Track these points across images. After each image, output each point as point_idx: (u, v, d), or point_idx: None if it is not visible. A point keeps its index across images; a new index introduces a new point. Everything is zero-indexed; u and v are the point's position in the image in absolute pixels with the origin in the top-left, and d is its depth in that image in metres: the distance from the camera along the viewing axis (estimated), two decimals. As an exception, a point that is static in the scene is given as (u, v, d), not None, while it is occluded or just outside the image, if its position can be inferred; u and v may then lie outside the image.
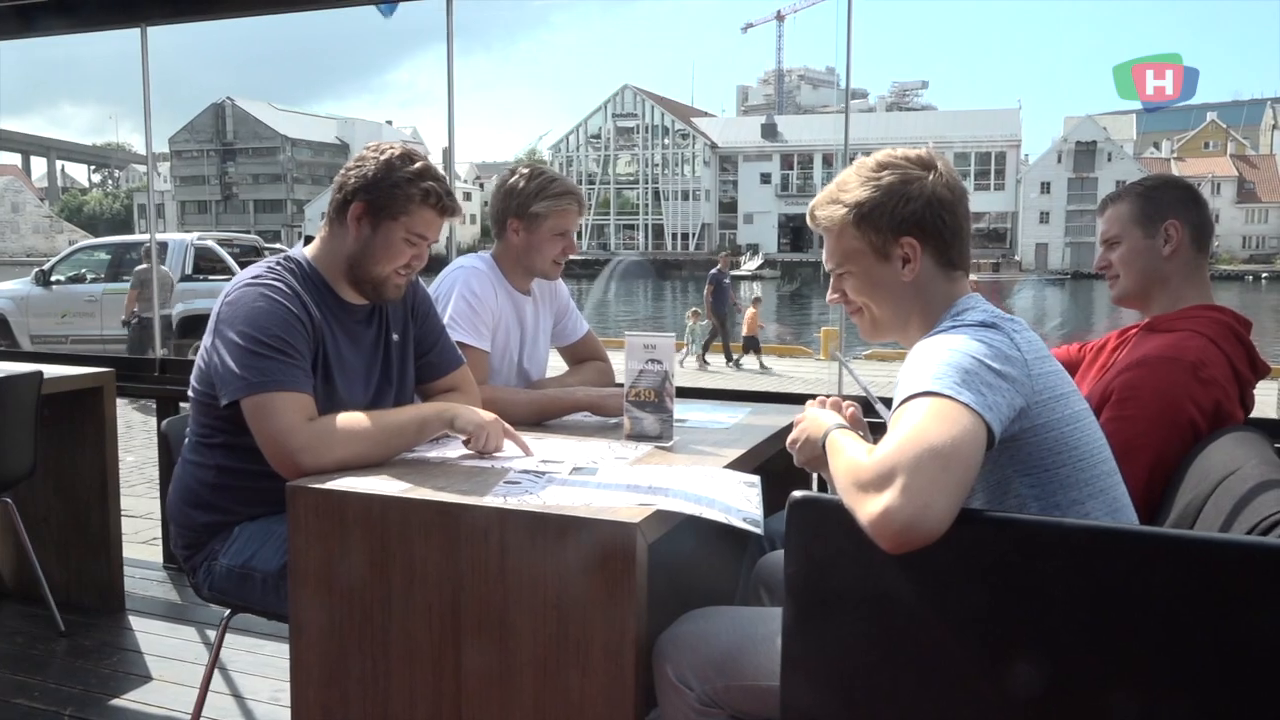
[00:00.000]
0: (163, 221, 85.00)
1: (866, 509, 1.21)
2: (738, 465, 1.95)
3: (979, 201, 70.38)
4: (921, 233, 1.52)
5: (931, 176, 1.53)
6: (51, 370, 3.22)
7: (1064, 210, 69.90)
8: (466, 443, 1.92)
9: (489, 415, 1.93)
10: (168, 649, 3.05)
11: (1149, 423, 1.82)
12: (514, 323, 2.53)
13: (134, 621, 3.28)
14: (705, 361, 15.32)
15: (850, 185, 1.56)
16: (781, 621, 1.38)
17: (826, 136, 76.72)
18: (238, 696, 2.72)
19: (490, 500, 1.60)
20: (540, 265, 2.50)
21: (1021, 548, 1.26)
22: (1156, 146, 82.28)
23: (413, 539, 1.63)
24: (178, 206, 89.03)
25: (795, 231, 76.20)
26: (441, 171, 2.00)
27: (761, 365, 15.15)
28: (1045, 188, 71.48)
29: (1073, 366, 2.25)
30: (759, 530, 1.58)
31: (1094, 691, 1.24)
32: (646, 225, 79.61)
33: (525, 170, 2.51)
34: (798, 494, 1.36)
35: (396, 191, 1.93)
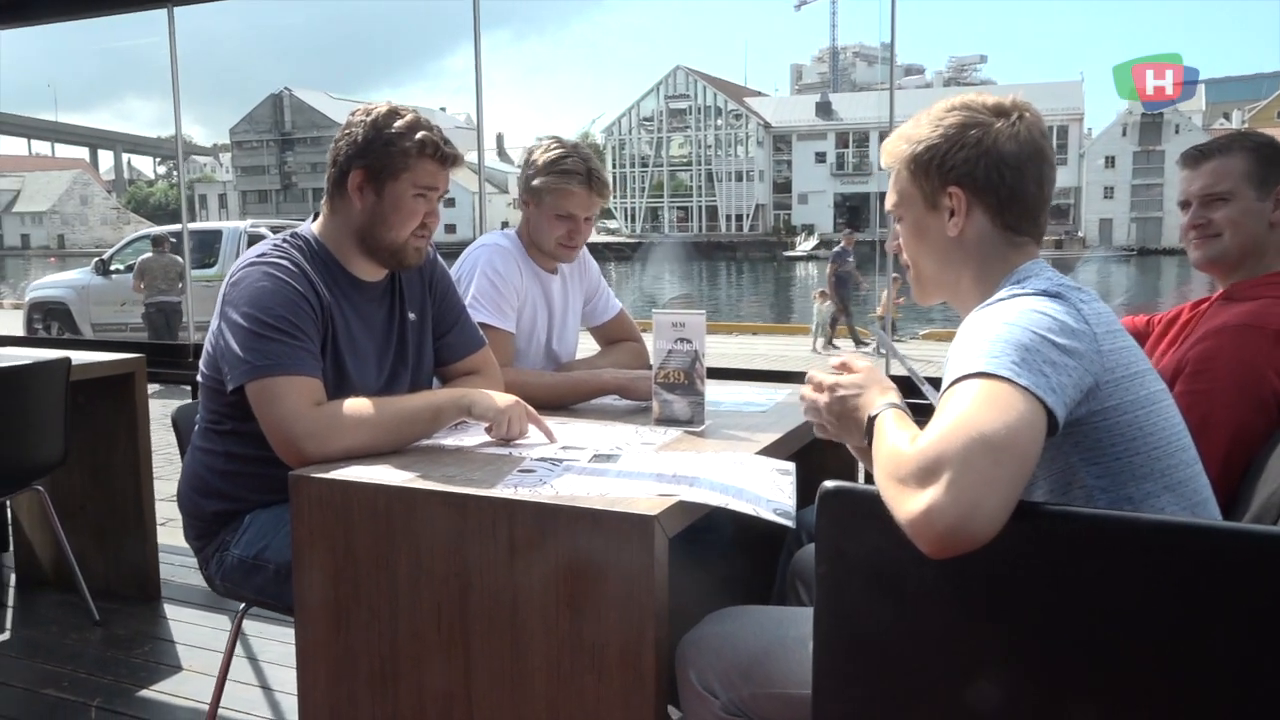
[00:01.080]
0: (225, 211, 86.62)
1: (906, 506, 1.07)
2: (772, 451, 1.81)
3: (1040, 177, 68.75)
4: (972, 185, 1.36)
5: (999, 125, 1.37)
6: (81, 357, 3.18)
7: (1129, 185, 68.08)
8: (488, 430, 1.81)
9: (509, 398, 1.82)
10: (200, 638, 3.00)
11: (1226, 396, 1.65)
12: (541, 302, 2.42)
13: (169, 610, 3.25)
14: (833, 345, 14.41)
15: (920, 123, 1.42)
16: (814, 623, 1.25)
17: (882, 113, 75.49)
18: (265, 688, 2.66)
19: (499, 491, 1.49)
20: (547, 245, 2.38)
21: (1086, 545, 1.11)
22: (1226, 117, 79.63)
23: (418, 532, 1.52)
24: (239, 196, 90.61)
25: (851, 211, 75.27)
26: (435, 122, 1.89)
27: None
28: (1110, 162, 69.66)
29: (1140, 339, 2.08)
30: (790, 523, 1.45)
31: (1167, 707, 1.09)
32: (700, 207, 79.17)
33: (547, 142, 2.39)
34: (829, 484, 1.23)
35: (392, 149, 1.83)
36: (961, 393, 1.12)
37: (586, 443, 1.82)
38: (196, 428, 1.96)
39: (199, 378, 1.92)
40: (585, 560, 1.41)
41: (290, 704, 2.57)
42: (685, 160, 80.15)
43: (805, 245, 65.56)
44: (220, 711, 2.24)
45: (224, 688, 2.17)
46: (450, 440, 1.83)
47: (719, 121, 79.48)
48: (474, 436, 1.86)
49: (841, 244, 15.62)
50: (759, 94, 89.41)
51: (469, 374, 2.07)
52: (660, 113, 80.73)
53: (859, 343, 14.43)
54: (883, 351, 13.37)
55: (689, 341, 1.95)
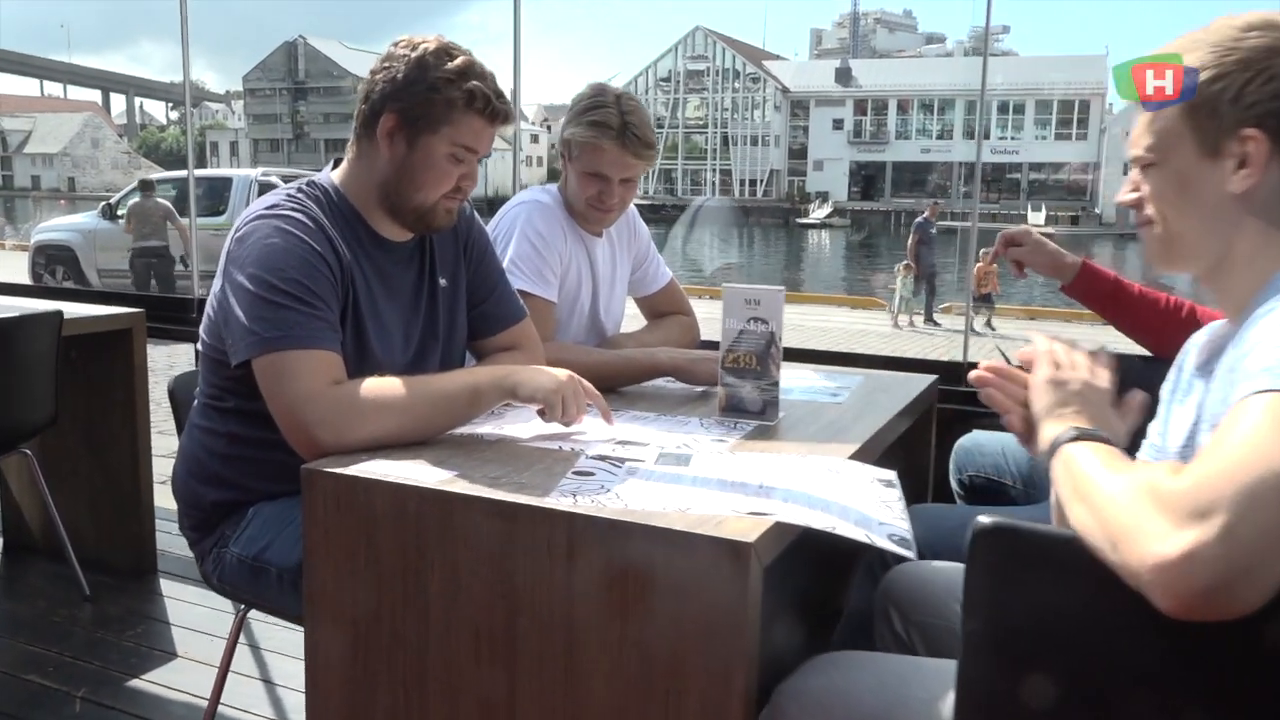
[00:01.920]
0: (236, 159, 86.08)
1: (1155, 546, 0.82)
2: (864, 456, 1.56)
3: (1059, 151, 68.03)
4: (1277, 129, 1.07)
5: None
6: (77, 310, 2.93)
7: (1150, 162, 66.97)
8: (541, 414, 1.55)
9: (562, 373, 1.55)
10: (197, 619, 2.76)
11: None
12: (585, 268, 2.15)
13: (165, 586, 3.02)
14: (935, 321, 13.66)
15: (1196, 45, 1.12)
16: (956, 690, 1.00)
17: (902, 81, 74.61)
18: (267, 682, 2.43)
19: (556, 500, 1.23)
20: (577, 205, 2.10)
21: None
22: (1251, 96, 78.27)
23: (456, 544, 1.27)
24: (250, 144, 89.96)
25: (866, 180, 74.55)
26: (488, 68, 1.61)
27: (989, 325, 12.76)
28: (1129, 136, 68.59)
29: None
30: (911, 554, 1.19)
31: None
32: (714, 170, 78.44)
33: (594, 87, 2.10)
34: (986, 520, 0.97)
35: (435, 96, 1.55)
36: (1256, 413, 0.85)
37: (648, 438, 1.56)
38: (196, 403, 1.70)
39: (199, 345, 1.66)
40: (660, 591, 1.16)
41: (295, 701, 2.34)
42: (701, 123, 79.22)
43: (819, 213, 64.88)
44: (219, 708, 2.01)
45: (225, 684, 1.94)
46: (490, 429, 1.58)
47: (736, 84, 78.46)
48: (519, 423, 1.60)
49: (925, 214, 14.89)
50: (778, 58, 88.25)
51: (507, 349, 1.81)
52: (678, 74, 79.69)
53: (929, 317, 13.79)
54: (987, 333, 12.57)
55: (764, 322, 1.69)
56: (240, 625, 1.83)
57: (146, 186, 11.51)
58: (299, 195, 1.58)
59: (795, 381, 2.01)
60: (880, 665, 1.27)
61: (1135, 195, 1.19)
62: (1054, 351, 1.22)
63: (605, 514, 1.19)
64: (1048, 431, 1.13)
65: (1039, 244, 2.10)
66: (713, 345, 2.53)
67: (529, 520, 1.22)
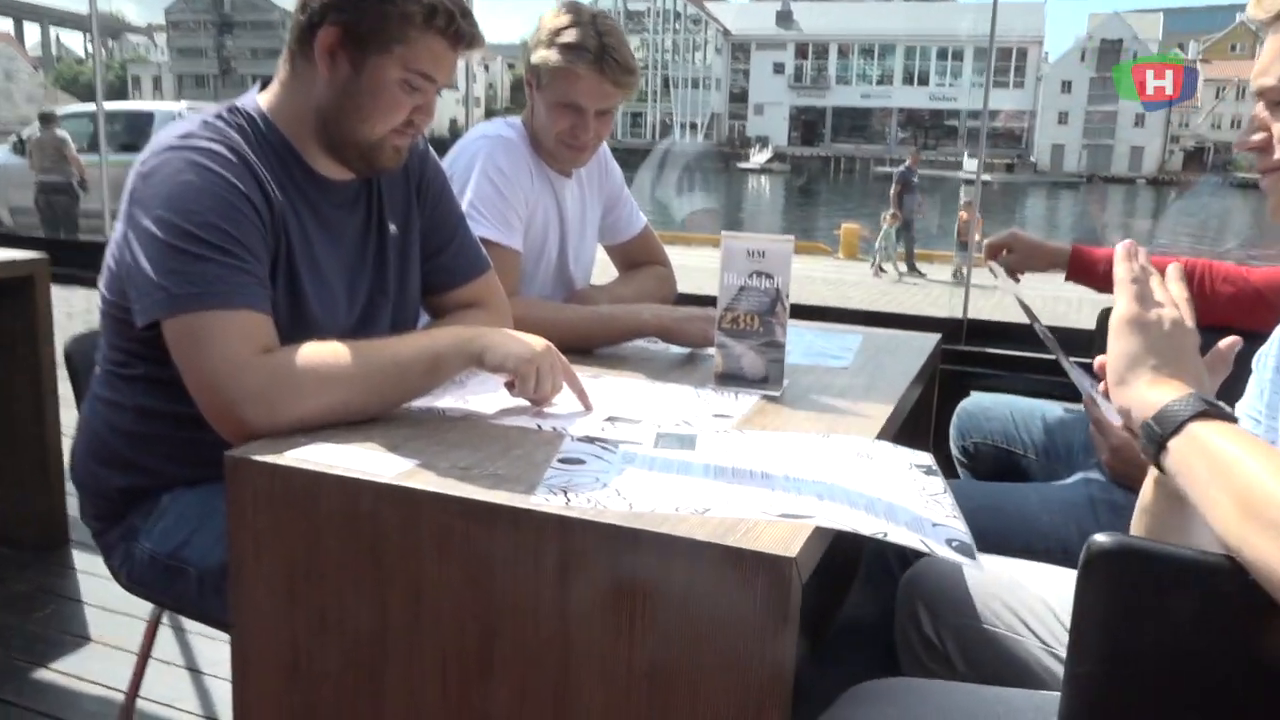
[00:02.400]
0: (159, 93, 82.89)
1: None
2: (886, 433, 1.35)
3: (995, 99, 68.38)
4: None
5: None
6: (-33, 254, 2.60)
7: (1084, 111, 67.92)
8: (510, 386, 1.32)
9: (538, 343, 1.32)
10: (115, 599, 2.46)
11: None
12: (553, 213, 1.90)
13: (79, 559, 2.73)
14: (917, 270, 13.53)
15: None
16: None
17: (843, 25, 74.22)
18: (192, 670, 2.18)
19: (544, 499, 1.00)
20: (546, 140, 1.84)
21: None
22: (1182, 48, 79.54)
23: (421, 552, 1.04)
24: (175, 79, 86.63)
25: (806, 125, 74.40)
26: None
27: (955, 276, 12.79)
28: (1066, 87, 69.37)
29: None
30: (974, 564, 0.99)
31: None
32: (654, 114, 77.56)
33: (565, 4, 1.83)
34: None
35: (388, 8, 1.28)
36: None
37: (638, 411, 1.34)
38: (97, 370, 1.43)
39: (99, 302, 1.38)
40: (677, 614, 0.94)
41: (224, 692, 2.10)
42: (641, 64, 78.12)
43: (759, 158, 64.60)
44: (138, 702, 1.77)
45: (144, 674, 1.69)
46: (451, 401, 1.34)
47: (677, 26, 77.41)
48: (484, 393, 1.37)
49: (907, 163, 14.68)
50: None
51: (469, 306, 1.57)
52: (617, 14, 78.28)
53: (912, 267, 13.70)
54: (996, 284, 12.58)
55: (770, 277, 1.46)
56: (156, 626, 1.57)
57: (46, 119, 10.90)
58: (218, 123, 1.31)
59: (789, 340, 1.79)
60: (937, 694, 1.07)
61: (1263, 136, 0.98)
62: (1137, 278, 1.00)
63: (607, 518, 0.97)
64: (1151, 395, 0.90)
65: (1029, 246, 1.96)
66: (692, 301, 2.31)
67: (511, 524, 0.99)
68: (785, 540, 0.93)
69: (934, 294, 12.13)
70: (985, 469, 1.95)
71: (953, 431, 2.00)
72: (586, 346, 1.70)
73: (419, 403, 1.31)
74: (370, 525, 1.05)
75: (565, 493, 1.02)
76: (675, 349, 1.72)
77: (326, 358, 1.20)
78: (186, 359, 1.20)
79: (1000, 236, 2.00)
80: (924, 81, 75.19)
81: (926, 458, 1.23)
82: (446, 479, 1.05)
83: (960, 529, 1.04)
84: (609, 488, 1.04)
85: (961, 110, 72.38)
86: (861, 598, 1.58)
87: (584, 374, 1.51)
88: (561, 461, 1.12)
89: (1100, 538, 0.77)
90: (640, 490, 1.04)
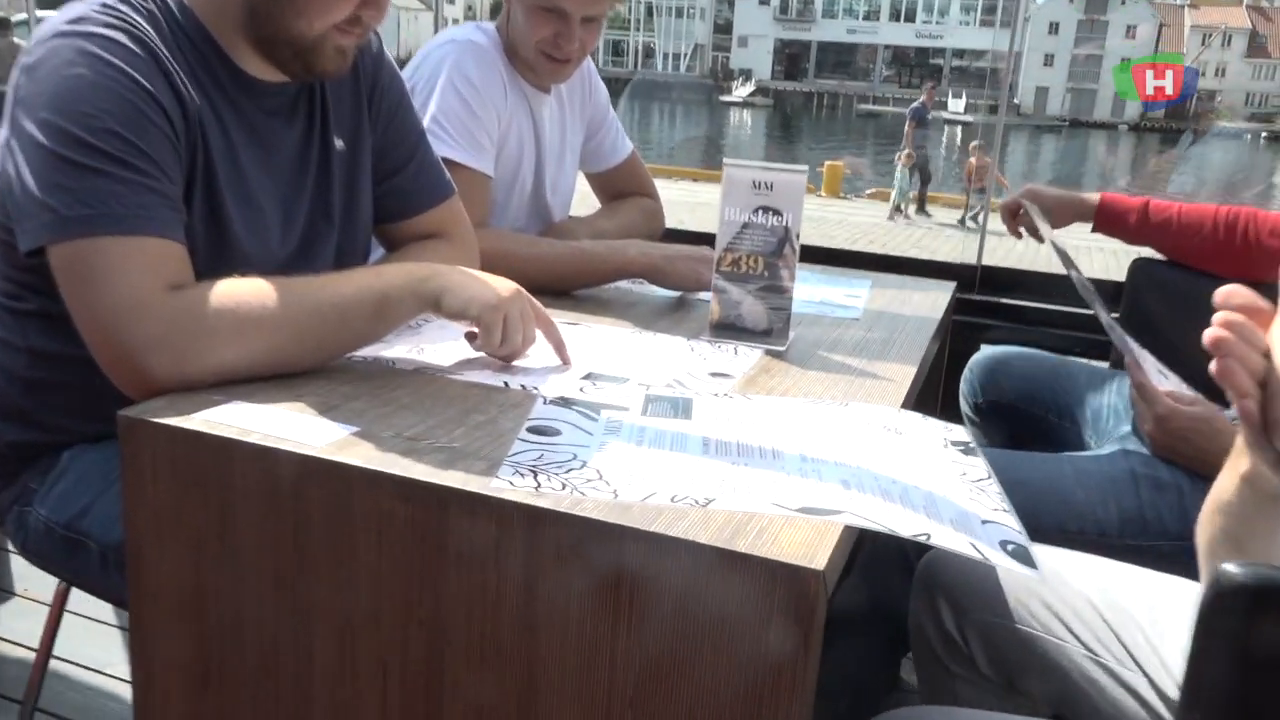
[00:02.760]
0: None
1: None
2: (909, 400, 1.17)
3: (981, 39, 67.55)
4: None
5: None
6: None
7: (1070, 53, 67.22)
8: (472, 339, 1.12)
9: (506, 286, 1.12)
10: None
11: None
12: (528, 133, 1.68)
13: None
14: (926, 211, 13.08)
15: None
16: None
17: (831, -42, 72.94)
18: (123, 629, 1.99)
19: (509, 483, 0.81)
20: (525, 51, 1.60)
21: None
22: (1171, -9, 78.78)
23: (355, 542, 0.84)
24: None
25: (790, 59, 73.34)
26: None
27: (975, 220, 12.28)
28: (1053, 28, 68.52)
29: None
30: (1035, 572, 0.81)
31: None
32: (636, 43, 76.12)
33: None
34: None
35: None
36: None
37: (623, 368, 1.14)
38: (-16, 302, 1.21)
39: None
40: (671, 633, 0.76)
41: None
42: (624, -10, 76.43)
43: (742, 91, 63.58)
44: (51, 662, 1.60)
45: (57, 632, 1.50)
46: (403, 351, 1.13)
47: (662, -49, 75.66)
48: (443, 343, 1.17)
49: (921, 100, 14.16)
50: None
51: (429, 237, 1.36)
52: (601, -64, 76.26)
53: (921, 207, 13.23)
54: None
55: (778, 214, 1.26)
56: (62, 604, 1.38)
57: (2, 25, 10.38)
58: (121, 7, 1.07)
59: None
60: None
61: None
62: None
63: (586, 510, 0.78)
64: None
65: (1052, 200, 1.76)
66: (681, 238, 2.10)
67: (466, 513, 0.80)
68: (808, 545, 0.74)
69: (917, 236, 11.89)
70: (999, 430, 1.77)
71: (964, 387, 1.83)
72: (563, 287, 1.50)
73: (363, 352, 1.11)
74: (294, 507, 0.86)
75: (535, 474, 0.83)
76: (664, 293, 1.52)
77: (249, 297, 0.99)
78: (76, 295, 0.99)
79: (1013, 197, 1.80)
80: (910, 18, 74.05)
81: (962, 432, 1.05)
82: (389, 453, 0.85)
83: (1014, 527, 0.85)
84: (589, 467, 0.85)
85: (946, 49, 71.42)
86: (861, 580, 1.41)
87: (559, 320, 1.31)
88: (532, 431, 0.92)
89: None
90: (628, 472, 0.85)
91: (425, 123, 1.47)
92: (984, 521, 0.85)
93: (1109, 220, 1.74)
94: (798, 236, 1.26)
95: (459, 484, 0.80)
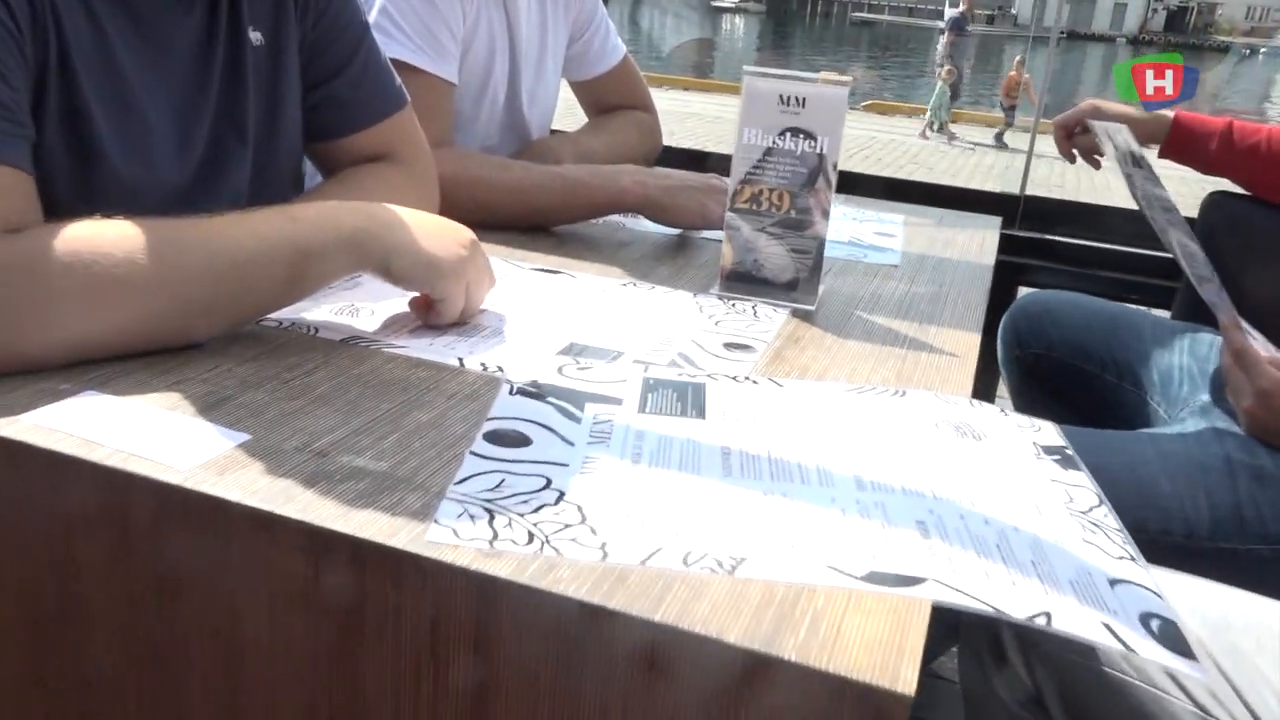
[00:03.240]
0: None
1: None
2: (977, 385, 0.93)
3: (982, -55, 65.59)
4: None
5: None
6: None
7: (1070, -38, 65.46)
8: (417, 308, 0.88)
9: (463, 238, 0.87)
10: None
11: None
12: (501, 33, 1.39)
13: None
14: (951, 131, 12.00)
15: None
16: None
17: None
18: None
19: (446, 531, 0.56)
20: None
21: None
22: (1176, -101, 76.51)
23: (238, 611, 0.60)
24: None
25: (786, -37, 71.19)
26: None
27: (999, 139, 11.55)
28: (1054, -65, 66.62)
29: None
30: (1197, 669, 0.57)
31: None
32: (626, -57, 73.69)
33: None
34: None
35: None
36: None
37: (617, 339, 0.89)
38: None
39: None
40: (683, 763, 0.53)
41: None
42: (614, -113, 73.81)
43: (733, -4, 61.88)
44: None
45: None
46: (327, 315, 0.88)
47: None
48: (384, 304, 0.91)
49: (961, 9, 13.15)
50: None
51: (374, 158, 1.09)
52: None
53: (944, 129, 12.10)
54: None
55: (811, 138, 1.00)
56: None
57: None
58: None
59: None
60: None
61: None
62: None
63: (564, 585, 0.53)
64: None
65: (1118, 118, 1.45)
66: (681, 159, 1.84)
67: (391, 580, 0.56)
68: (885, 644, 0.50)
69: (953, 157, 11.37)
70: (1043, 390, 1.54)
71: (1002, 336, 1.58)
72: (542, 222, 1.24)
73: (279, 314, 0.86)
74: (152, 559, 0.61)
75: (491, 515, 0.59)
76: (664, 231, 1.26)
77: (112, 248, 0.73)
78: None
79: (1073, 113, 1.53)
80: (909, -79, 71.77)
81: (1053, 433, 0.81)
82: (287, 478, 0.61)
83: (1149, 587, 0.62)
84: (567, 502, 0.61)
85: (945, -46, 69.61)
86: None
87: (533, 265, 1.07)
88: (491, 440, 0.68)
89: None
90: (622, 511, 0.60)
91: (372, 15, 1.20)
92: (1112, 581, 0.61)
93: (1184, 143, 1.48)
94: (835, 168, 1.00)
95: (380, 535, 0.56)
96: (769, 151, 1.01)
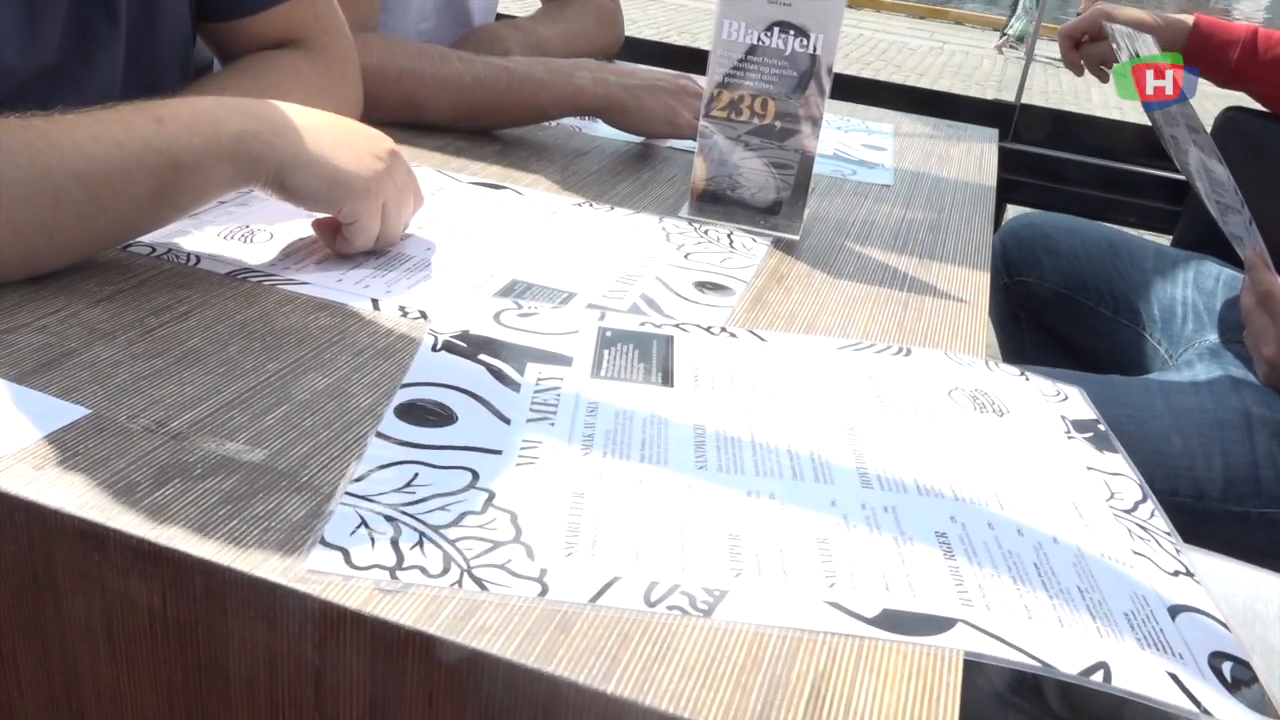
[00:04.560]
0: None
1: None
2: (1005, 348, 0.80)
3: None
4: None
5: None
6: None
7: None
8: (322, 230, 0.73)
9: (380, 148, 0.72)
10: None
11: None
12: (441, -103, 1.20)
13: None
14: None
15: None
16: None
17: None
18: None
19: (333, 556, 0.43)
20: None
21: None
22: None
23: (69, 645, 0.46)
24: None
25: None
26: None
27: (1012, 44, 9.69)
28: None
29: None
30: (1282, 730, 0.46)
31: None
32: None
33: None
34: None
35: None
36: None
37: (566, 275, 0.74)
38: None
39: None
40: None
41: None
42: None
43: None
44: None
45: None
46: (209, 241, 0.73)
47: None
48: (283, 225, 0.76)
49: None
50: None
51: (281, 44, 0.91)
52: None
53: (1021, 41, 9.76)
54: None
55: (803, 35, 0.84)
56: None
57: None
58: None
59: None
60: None
61: None
62: None
63: (485, 640, 0.40)
64: None
65: (1133, 24, 1.29)
66: (650, 54, 1.67)
67: (262, 618, 0.42)
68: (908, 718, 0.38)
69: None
70: (1031, 322, 1.42)
71: (993, 262, 1.46)
72: (483, 124, 1.07)
73: (150, 236, 0.70)
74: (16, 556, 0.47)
75: (397, 530, 0.45)
76: (624, 137, 1.10)
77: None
78: None
79: (1081, 19, 1.37)
80: None
81: (1080, 401, 0.68)
82: (125, 474, 0.46)
83: (1213, 613, 0.50)
84: (496, 508, 0.48)
85: None
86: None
87: (472, 179, 0.92)
88: (405, 416, 0.54)
89: None
90: (566, 522, 0.47)
91: None
92: (1173, 610, 0.50)
93: (1203, 51, 1.33)
94: (830, 71, 0.85)
95: (245, 560, 0.42)
96: (753, 49, 0.85)
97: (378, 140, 0.72)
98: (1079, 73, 1.40)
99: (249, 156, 0.66)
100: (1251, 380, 1.05)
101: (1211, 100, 1.37)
